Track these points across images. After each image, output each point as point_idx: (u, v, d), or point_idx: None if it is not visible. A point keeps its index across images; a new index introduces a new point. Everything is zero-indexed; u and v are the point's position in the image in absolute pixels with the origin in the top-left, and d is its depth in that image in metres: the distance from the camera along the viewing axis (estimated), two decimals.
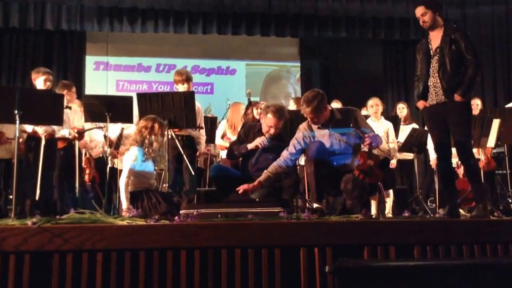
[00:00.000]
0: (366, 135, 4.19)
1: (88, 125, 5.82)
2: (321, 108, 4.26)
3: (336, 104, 6.89)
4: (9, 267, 2.86)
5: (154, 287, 2.94)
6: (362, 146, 4.28)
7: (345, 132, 4.31)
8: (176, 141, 5.26)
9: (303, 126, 4.48)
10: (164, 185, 5.06)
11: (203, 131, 5.72)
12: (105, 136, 5.91)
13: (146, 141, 4.51)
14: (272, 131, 4.74)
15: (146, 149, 4.49)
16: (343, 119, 4.34)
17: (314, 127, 4.43)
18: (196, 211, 3.57)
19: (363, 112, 6.62)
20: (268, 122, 4.76)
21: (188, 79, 5.54)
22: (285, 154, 4.41)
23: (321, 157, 4.21)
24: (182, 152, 5.22)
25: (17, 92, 4.21)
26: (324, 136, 4.37)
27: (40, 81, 5.43)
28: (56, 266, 2.89)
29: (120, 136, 6.23)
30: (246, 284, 3.01)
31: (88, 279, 2.90)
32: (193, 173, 5.33)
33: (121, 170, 5.11)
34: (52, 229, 2.92)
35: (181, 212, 3.63)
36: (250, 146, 4.80)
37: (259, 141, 4.76)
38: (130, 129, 6.18)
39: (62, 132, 5.56)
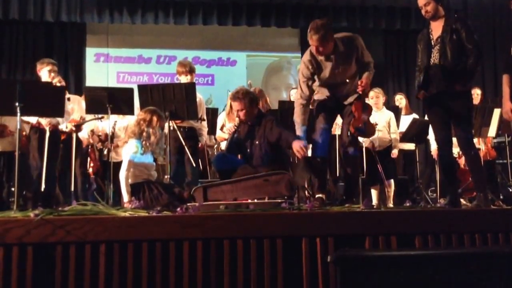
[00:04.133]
0: (361, 80, 4.29)
1: (88, 117, 5.82)
2: (327, 37, 4.16)
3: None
4: (12, 259, 2.87)
5: (157, 278, 2.95)
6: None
7: (347, 63, 4.34)
8: (178, 132, 5.26)
9: (305, 58, 4.39)
10: (166, 176, 5.06)
11: (205, 123, 5.72)
12: (114, 129, 5.93)
13: (144, 133, 4.45)
14: (240, 114, 4.69)
15: (144, 142, 4.45)
16: (346, 49, 4.31)
17: (317, 60, 4.36)
18: (198, 202, 3.58)
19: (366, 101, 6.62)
20: (234, 108, 4.78)
21: (191, 71, 5.54)
22: (300, 92, 4.42)
23: (324, 154, 4.35)
24: (184, 144, 5.22)
25: (17, 84, 4.20)
26: (326, 68, 4.34)
27: (44, 72, 5.43)
28: (59, 257, 2.90)
29: (113, 129, 6.22)
30: (248, 274, 3.02)
31: (91, 270, 2.91)
32: (194, 165, 5.33)
33: (116, 163, 5.11)
34: (55, 221, 2.93)
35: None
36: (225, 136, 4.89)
37: (228, 128, 4.81)
38: (123, 122, 6.18)
39: (61, 125, 5.56)
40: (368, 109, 4.37)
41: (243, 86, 5.16)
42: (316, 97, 4.56)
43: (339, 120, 4.76)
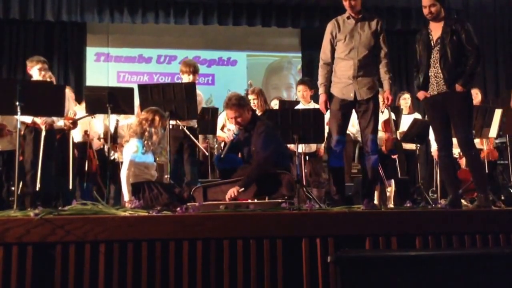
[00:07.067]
0: (385, 93, 4.45)
1: (79, 113, 5.81)
2: None
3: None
4: (12, 258, 2.87)
5: (156, 278, 2.95)
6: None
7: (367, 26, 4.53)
8: (185, 129, 5.28)
9: (330, 22, 4.74)
10: (166, 176, 5.06)
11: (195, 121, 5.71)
12: (117, 129, 5.92)
13: (146, 133, 4.44)
14: (234, 122, 4.71)
15: (146, 142, 4.43)
16: (369, 16, 4.60)
17: (341, 21, 4.59)
18: (198, 202, 3.58)
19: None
20: (229, 115, 4.78)
21: (194, 71, 5.52)
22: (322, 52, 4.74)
23: (340, 164, 4.54)
24: (195, 141, 5.26)
25: (18, 84, 4.20)
26: (347, 28, 4.56)
27: (35, 70, 5.42)
28: (58, 257, 2.90)
29: (116, 129, 6.20)
30: (248, 275, 3.02)
31: (90, 270, 2.91)
32: (193, 166, 5.34)
33: (121, 163, 5.11)
34: (55, 220, 2.93)
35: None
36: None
37: (226, 135, 4.79)
38: (125, 121, 6.18)
39: (58, 123, 5.55)
40: (394, 126, 4.65)
41: (233, 92, 5.16)
42: (333, 90, 4.55)
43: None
